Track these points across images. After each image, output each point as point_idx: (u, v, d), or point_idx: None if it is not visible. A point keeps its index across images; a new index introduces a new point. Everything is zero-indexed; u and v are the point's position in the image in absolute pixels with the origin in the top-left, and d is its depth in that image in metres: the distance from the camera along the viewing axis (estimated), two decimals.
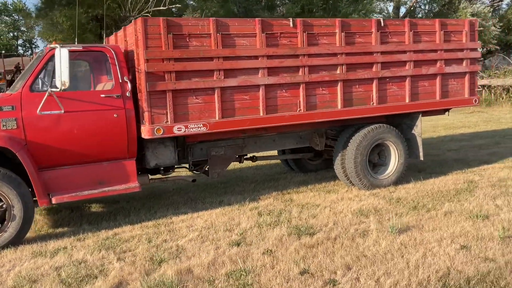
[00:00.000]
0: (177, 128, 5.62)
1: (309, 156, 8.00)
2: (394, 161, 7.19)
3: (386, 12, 30.47)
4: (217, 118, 5.86)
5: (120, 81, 5.54)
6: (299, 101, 6.35)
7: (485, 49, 29.12)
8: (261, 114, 6.11)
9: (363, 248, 4.55)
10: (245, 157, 7.26)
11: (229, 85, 5.88)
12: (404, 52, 7.01)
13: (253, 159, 7.40)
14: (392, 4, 29.60)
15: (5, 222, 4.99)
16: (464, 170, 8.02)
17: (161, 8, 14.84)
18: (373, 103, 6.87)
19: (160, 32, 5.47)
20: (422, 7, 30.05)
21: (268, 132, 6.76)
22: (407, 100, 7.12)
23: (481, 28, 8.23)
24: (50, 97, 5.11)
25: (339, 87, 6.59)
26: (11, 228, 4.98)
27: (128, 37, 5.97)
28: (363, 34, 6.73)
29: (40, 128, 5.16)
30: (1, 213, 4.99)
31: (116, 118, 5.47)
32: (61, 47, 4.90)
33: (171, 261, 4.42)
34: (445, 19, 7.77)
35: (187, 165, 6.65)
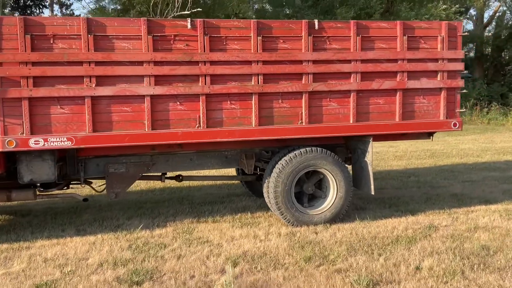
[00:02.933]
0: (34, 142, 4.94)
1: (251, 179, 6.89)
2: (332, 194, 5.88)
3: (468, 17, 27.52)
4: (87, 132, 5.08)
5: None
6: (199, 116, 5.37)
7: None
8: (147, 129, 5.23)
9: None
10: (166, 175, 6.38)
11: (103, 94, 5.08)
12: (348, 61, 5.69)
13: (178, 178, 6.50)
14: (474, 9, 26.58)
15: None
16: (443, 210, 6.41)
17: (185, 12, 14.42)
18: (301, 122, 5.65)
19: (17, 33, 4.84)
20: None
21: (184, 150, 5.85)
22: (351, 120, 5.78)
23: (466, 33, 6.54)
24: None
25: (253, 101, 5.49)
26: None
27: None
28: (289, 38, 5.55)
29: None
30: None
31: None
32: None
33: None
34: (412, 21, 6.25)
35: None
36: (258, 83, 5.47)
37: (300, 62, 5.57)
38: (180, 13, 14.48)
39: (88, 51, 5.01)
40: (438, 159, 11.54)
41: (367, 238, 5.24)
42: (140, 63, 5.15)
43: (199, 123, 5.37)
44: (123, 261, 4.61)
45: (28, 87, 4.88)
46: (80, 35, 4.99)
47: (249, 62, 5.43)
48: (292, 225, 5.74)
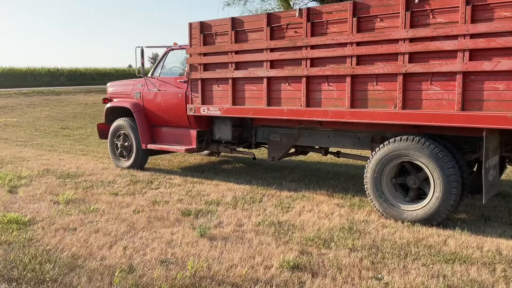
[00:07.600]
0: (202, 109, 7.01)
1: None
2: (432, 192, 5.08)
3: None
4: (229, 105, 6.71)
5: None
6: (301, 96, 5.96)
7: None
8: (263, 105, 6.32)
9: None
10: (329, 151, 7.09)
11: (238, 76, 6.55)
12: (452, 37, 4.73)
13: (336, 154, 7.07)
14: None
15: None
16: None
17: None
18: (395, 107, 5.19)
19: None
20: None
21: (324, 127, 6.51)
22: (455, 108, 4.79)
23: None
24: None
25: (346, 83, 5.53)
26: None
27: None
28: (386, 16, 5.19)
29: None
30: None
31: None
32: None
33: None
34: None
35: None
36: (351, 65, 5.46)
37: (395, 41, 5.12)
38: None
39: (231, 43, 6.56)
40: None
41: (377, 241, 4.50)
42: (261, 50, 6.26)
43: (301, 102, 5.96)
44: (217, 202, 6.09)
45: (200, 72, 6.97)
46: (226, 32, 6.60)
47: (343, 45, 5.51)
48: (382, 215, 5.42)
